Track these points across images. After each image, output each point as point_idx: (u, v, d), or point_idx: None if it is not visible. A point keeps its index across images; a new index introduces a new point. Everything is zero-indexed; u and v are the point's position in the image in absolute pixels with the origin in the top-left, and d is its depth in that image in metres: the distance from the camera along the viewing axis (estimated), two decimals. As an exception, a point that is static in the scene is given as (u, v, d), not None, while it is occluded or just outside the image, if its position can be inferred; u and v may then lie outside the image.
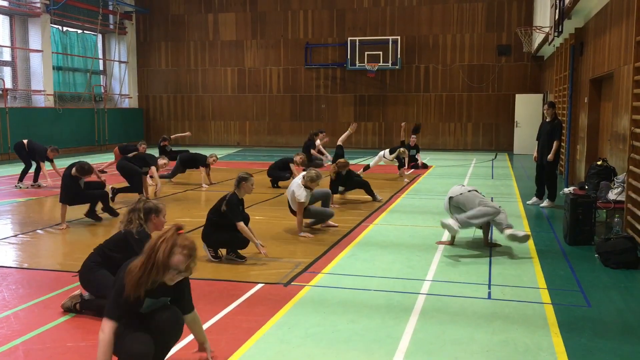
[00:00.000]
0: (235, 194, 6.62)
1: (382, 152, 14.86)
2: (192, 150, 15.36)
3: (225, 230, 6.52)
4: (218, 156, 14.41)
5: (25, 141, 13.36)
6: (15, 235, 7.94)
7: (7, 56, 21.16)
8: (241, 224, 6.45)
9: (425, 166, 16.64)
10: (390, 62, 23.76)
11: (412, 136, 16.80)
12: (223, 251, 6.71)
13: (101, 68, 25.81)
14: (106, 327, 3.41)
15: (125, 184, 10.84)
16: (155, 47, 27.00)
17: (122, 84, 26.47)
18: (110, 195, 9.61)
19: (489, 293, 5.46)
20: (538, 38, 18.87)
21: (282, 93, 25.91)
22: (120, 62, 26.32)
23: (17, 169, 16.61)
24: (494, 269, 6.28)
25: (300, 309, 5.00)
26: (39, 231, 8.23)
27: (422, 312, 4.92)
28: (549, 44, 15.85)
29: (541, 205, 10.28)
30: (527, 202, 10.53)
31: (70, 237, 8.01)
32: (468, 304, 5.14)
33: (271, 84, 26.01)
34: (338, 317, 4.82)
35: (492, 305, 5.14)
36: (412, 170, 15.97)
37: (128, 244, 4.74)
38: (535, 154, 10.62)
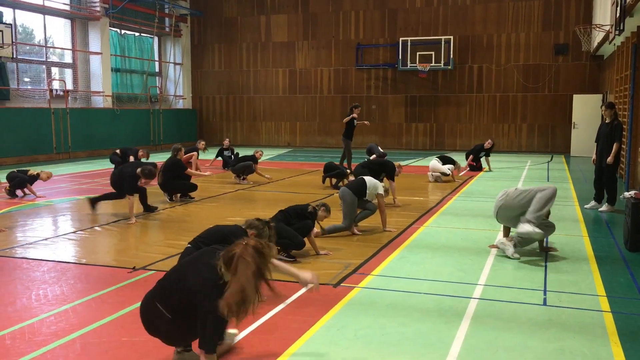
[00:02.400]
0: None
1: (432, 163, 14.10)
2: (242, 152, 15.57)
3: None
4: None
5: (118, 150, 14.14)
6: (74, 232, 8.22)
7: (68, 58, 21.97)
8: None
9: (479, 168, 16.30)
10: (442, 62, 23.45)
11: (489, 140, 16.47)
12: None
13: (157, 70, 26.47)
14: None
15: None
16: (209, 48, 27.49)
17: (177, 86, 27.07)
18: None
19: (545, 299, 5.30)
20: (597, 37, 18.24)
21: (332, 94, 25.94)
22: (175, 64, 26.93)
23: (79, 167, 17.22)
24: (550, 274, 6.10)
25: (350, 311, 4.98)
26: (97, 228, 8.49)
27: (474, 317, 4.82)
28: (609, 43, 15.29)
29: (600, 209, 9.93)
30: (585, 206, 10.19)
31: (126, 234, 8.23)
32: (522, 310, 5.00)
33: (322, 84, 26.08)
34: (388, 319, 4.77)
35: (547, 312, 4.98)
36: (465, 171, 15.72)
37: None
38: (594, 156, 10.27)
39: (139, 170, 9.10)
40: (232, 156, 16.75)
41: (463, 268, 6.33)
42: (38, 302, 5.23)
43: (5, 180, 11.37)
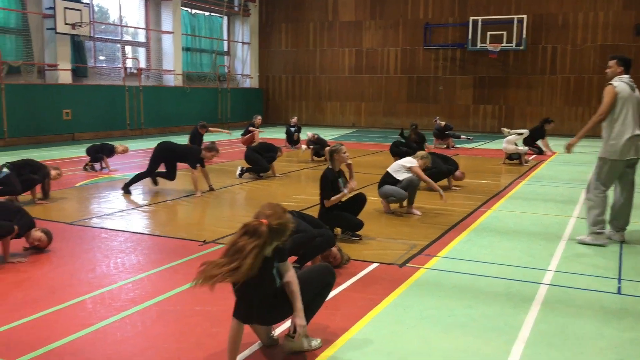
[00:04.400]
0: (330, 169, 6.64)
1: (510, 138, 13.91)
2: (314, 131, 15.68)
3: (339, 210, 6.61)
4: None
5: (200, 125, 14.22)
6: (147, 205, 8.55)
7: (142, 38, 22.63)
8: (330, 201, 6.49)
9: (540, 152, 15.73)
10: (514, 42, 22.73)
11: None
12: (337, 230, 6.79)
13: (225, 49, 26.89)
14: None
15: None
16: (277, 28, 27.66)
17: (244, 65, 27.44)
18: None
19: (619, 288, 5.12)
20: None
21: (399, 74, 25.64)
22: (243, 43, 27.27)
23: (150, 143, 17.81)
24: (626, 262, 5.88)
25: (416, 291, 4.98)
26: (168, 201, 8.80)
27: (544, 302, 4.72)
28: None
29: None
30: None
31: (194, 208, 8.49)
32: (595, 298, 4.86)
33: (388, 64, 25.80)
34: (454, 301, 4.74)
35: (621, 300, 4.82)
36: (535, 156, 15.26)
37: None
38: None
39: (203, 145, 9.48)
40: (298, 134, 16.91)
41: (532, 253, 6.19)
42: (116, 269, 5.50)
43: (85, 154, 11.98)
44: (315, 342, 3.87)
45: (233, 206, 8.95)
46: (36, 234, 5.92)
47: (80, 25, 17.74)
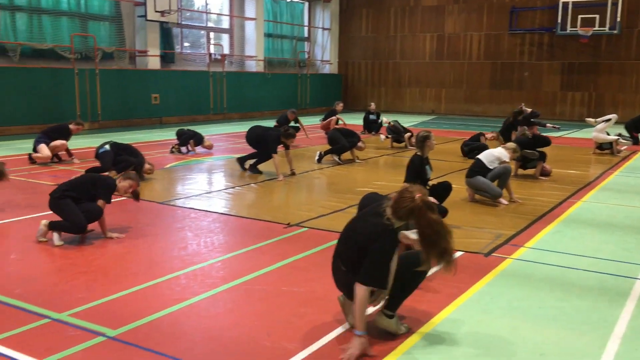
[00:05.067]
0: (418, 155, 6.58)
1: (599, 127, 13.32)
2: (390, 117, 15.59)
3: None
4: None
5: (289, 112, 14.41)
6: (232, 187, 8.81)
7: (226, 24, 23.16)
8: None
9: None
10: (607, 26, 21.57)
11: None
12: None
13: (306, 35, 27.08)
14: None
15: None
16: (357, 13, 27.54)
17: (324, 51, 27.54)
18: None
19: None
20: None
21: (482, 60, 24.96)
22: (323, 29, 27.36)
23: (232, 127, 18.27)
24: None
25: (503, 281, 4.89)
26: (252, 185, 9.03)
27: (640, 298, 4.53)
28: None
29: None
30: None
31: (278, 192, 8.67)
32: (697, 297, 4.60)
33: (471, 50, 25.16)
34: (544, 293, 4.62)
35: None
36: (626, 147, 14.50)
37: None
38: None
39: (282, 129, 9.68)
40: (378, 120, 16.94)
41: (627, 247, 5.92)
42: (206, 248, 5.72)
43: (175, 137, 12.48)
44: (404, 327, 3.89)
45: (315, 190, 9.07)
46: (124, 184, 6.11)
47: (169, 13, 18.37)
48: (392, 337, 3.80)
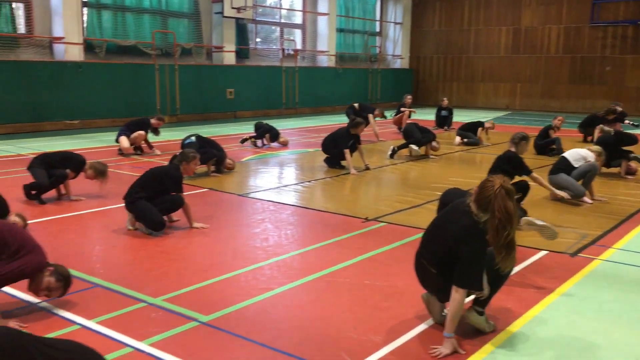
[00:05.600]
0: (513, 152, 6.72)
1: None
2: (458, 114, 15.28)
3: None
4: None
5: (356, 105, 14.57)
6: (308, 181, 8.92)
7: (298, 20, 23.39)
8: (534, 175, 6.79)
9: None
10: (699, 17, 20.35)
11: None
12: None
13: (377, 30, 26.96)
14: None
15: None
16: (430, 7, 27.17)
17: (396, 45, 27.34)
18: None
19: None
20: None
21: (560, 54, 24.10)
22: (395, 23, 27.16)
23: (304, 122, 18.47)
24: None
25: (591, 282, 4.74)
26: (327, 179, 9.12)
27: None
28: None
29: None
30: None
31: (353, 186, 8.72)
32: None
33: (549, 43, 24.33)
34: (635, 296, 4.45)
35: None
36: None
37: None
38: None
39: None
40: (450, 116, 16.73)
41: None
42: (287, 240, 5.84)
43: (253, 130, 12.82)
44: (491, 325, 3.85)
45: (390, 185, 9.05)
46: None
47: (244, 9, 18.74)
48: (478, 335, 3.77)
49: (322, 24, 23.36)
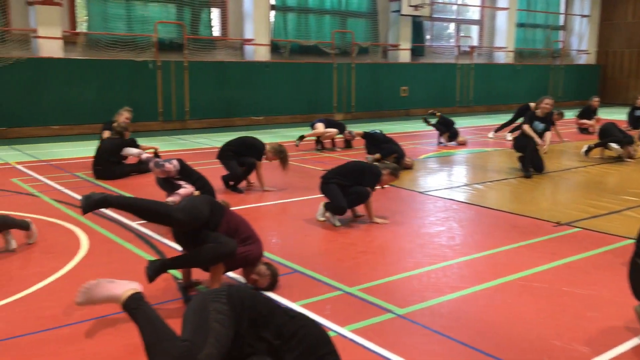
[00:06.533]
0: None
1: None
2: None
3: None
4: None
5: (532, 104, 14.00)
6: (490, 181, 8.66)
7: (476, 16, 22.76)
8: None
9: None
10: None
11: None
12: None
13: (561, 23, 25.32)
14: None
15: None
16: (624, -3, 24.89)
17: (581, 40, 25.47)
18: None
19: None
20: None
21: None
22: (582, 16, 25.30)
23: (479, 120, 17.98)
24: None
25: None
26: (512, 180, 8.78)
27: None
28: None
29: None
30: None
31: (541, 188, 8.30)
32: None
33: None
34: None
35: None
36: None
37: None
38: None
39: None
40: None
41: None
42: (473, 239, 5.74)
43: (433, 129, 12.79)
44: None
45: (581, 189, 8.45)
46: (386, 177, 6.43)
47: (422, 7, 18.68)
48: None
49: (501, 19, 22.48)
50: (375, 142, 9.53)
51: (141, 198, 4.11)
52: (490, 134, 13.65)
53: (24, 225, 5.27)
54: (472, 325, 3.82)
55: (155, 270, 4.01)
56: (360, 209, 6.45)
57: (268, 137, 13.29)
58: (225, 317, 2.62)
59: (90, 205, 3.69)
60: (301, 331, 2.72)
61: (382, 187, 6.58)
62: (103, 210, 6.48)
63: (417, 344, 3.58)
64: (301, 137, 11.26)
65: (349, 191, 6.20)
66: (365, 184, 6.27)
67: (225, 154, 7.78)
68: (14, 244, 5.18)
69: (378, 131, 9.54)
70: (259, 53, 16.52)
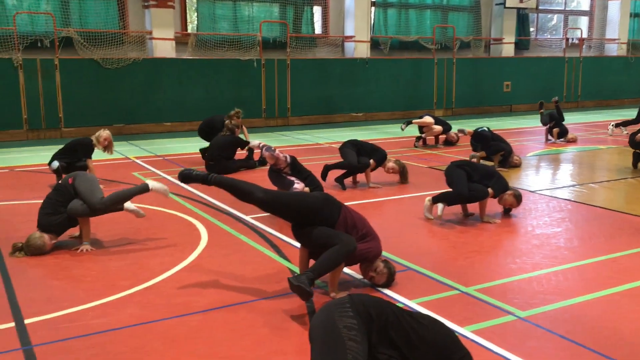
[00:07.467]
0: None
1: None
2: None
3: None
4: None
5: None
6: (608, 181, 8.25)
7: (585, 6, 21.64)
8: None
9: None
10: None
11: None
12: None
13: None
14: None
15: None
16: None
17: None
18: None
19: None
20: None
21: None
22: None
23: (587, 117, 17.09)
24: None
25: None
26: (630, 179, 8.32)
27: None
28: None
29: None
30: None
31: (663, 190, 7.82)
32: None
33: None
34: None
35: None
36: None
37: None
38: None
39: None
40: None
41: None
42: (592, 242, 5.49)
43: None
44: None
45: None
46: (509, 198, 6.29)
47: (528, -1, 18.03)
48: None
49: (614, 9, 21.22)
50: (482, 139, 9.33)
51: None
52: (611, 128, 12.72)
53: (143, 188, 5.47)
54: (598, 331, 3.68)
55: (308, 284, 3.84)
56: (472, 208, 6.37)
57: (367, 134, 13.35)
58: (357, 333, 2.60)
59: (192, 178, 4.25)
60: (430, 336, 2.69)
61: (499, 203, 6.38)
62: (219, 204, 6.80)
63: (542, 347, 3.50)
64: (408, 122, 11.23)
65: (470, 186, 6.13)
66: (491, 186, 6.15)
67: (348, 148, 7.91)
68: (141, 212, 5.59)
69: (486, 129, 9.34)
70: (359, 50, 16.59)
